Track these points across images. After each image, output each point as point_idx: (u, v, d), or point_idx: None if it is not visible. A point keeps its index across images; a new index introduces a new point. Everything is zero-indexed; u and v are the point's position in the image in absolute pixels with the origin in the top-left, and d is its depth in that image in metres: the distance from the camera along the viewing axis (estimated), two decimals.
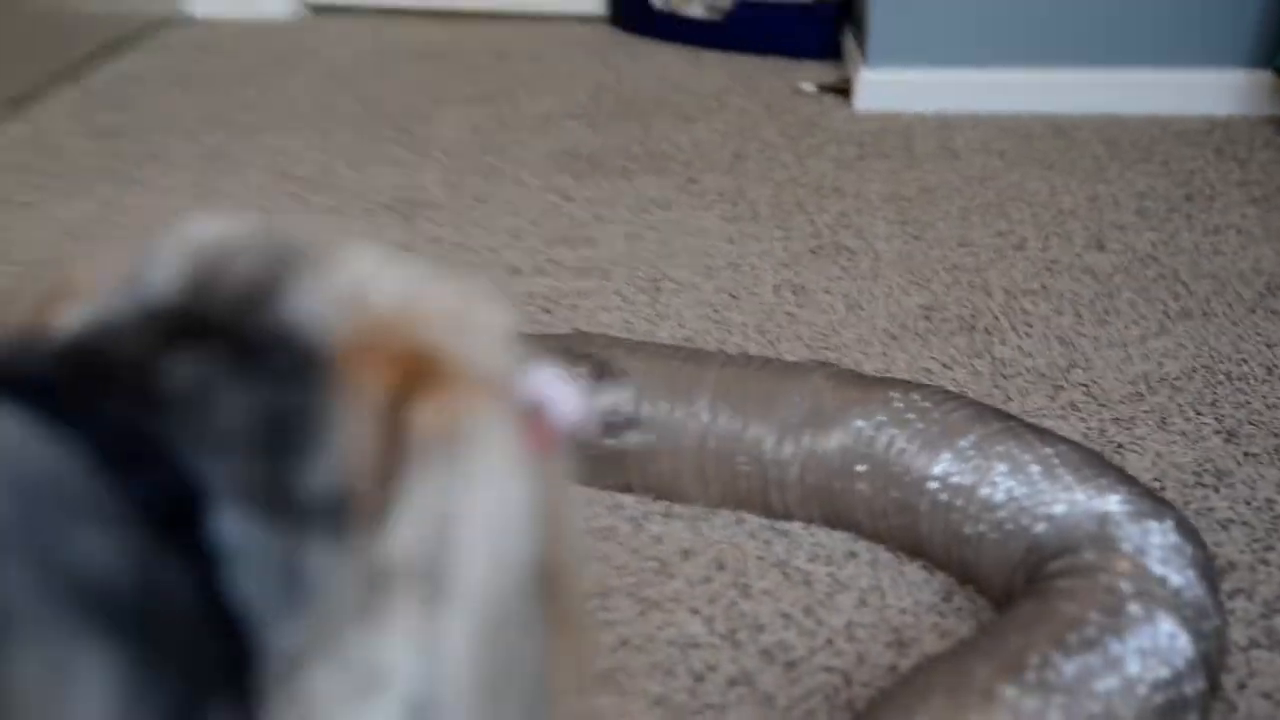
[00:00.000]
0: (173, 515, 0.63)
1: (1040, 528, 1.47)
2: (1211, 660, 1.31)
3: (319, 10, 4.50)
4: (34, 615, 0.57)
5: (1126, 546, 1.39)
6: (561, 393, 0.82)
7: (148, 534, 0.62)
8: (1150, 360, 2.14)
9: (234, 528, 0.64)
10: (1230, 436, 1.92)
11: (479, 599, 0.69)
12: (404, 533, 0.67)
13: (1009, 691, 1.20)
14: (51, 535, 0.59)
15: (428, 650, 0.68)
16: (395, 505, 0.68)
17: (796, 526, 1.73)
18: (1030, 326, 2.25)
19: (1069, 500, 1.47)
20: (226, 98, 3.56)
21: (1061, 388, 2.05)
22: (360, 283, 0.72)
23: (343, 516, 0.66)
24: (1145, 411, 1.99)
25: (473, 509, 0.70)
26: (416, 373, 0.71)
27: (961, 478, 1.56)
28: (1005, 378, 2.03)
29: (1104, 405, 1.99)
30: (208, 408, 0.66)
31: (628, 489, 1.78)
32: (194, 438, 0.65)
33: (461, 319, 0.75)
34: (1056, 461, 1.52)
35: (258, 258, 0.72)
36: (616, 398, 1.72)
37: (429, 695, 0.68)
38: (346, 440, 0.67)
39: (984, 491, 1.54)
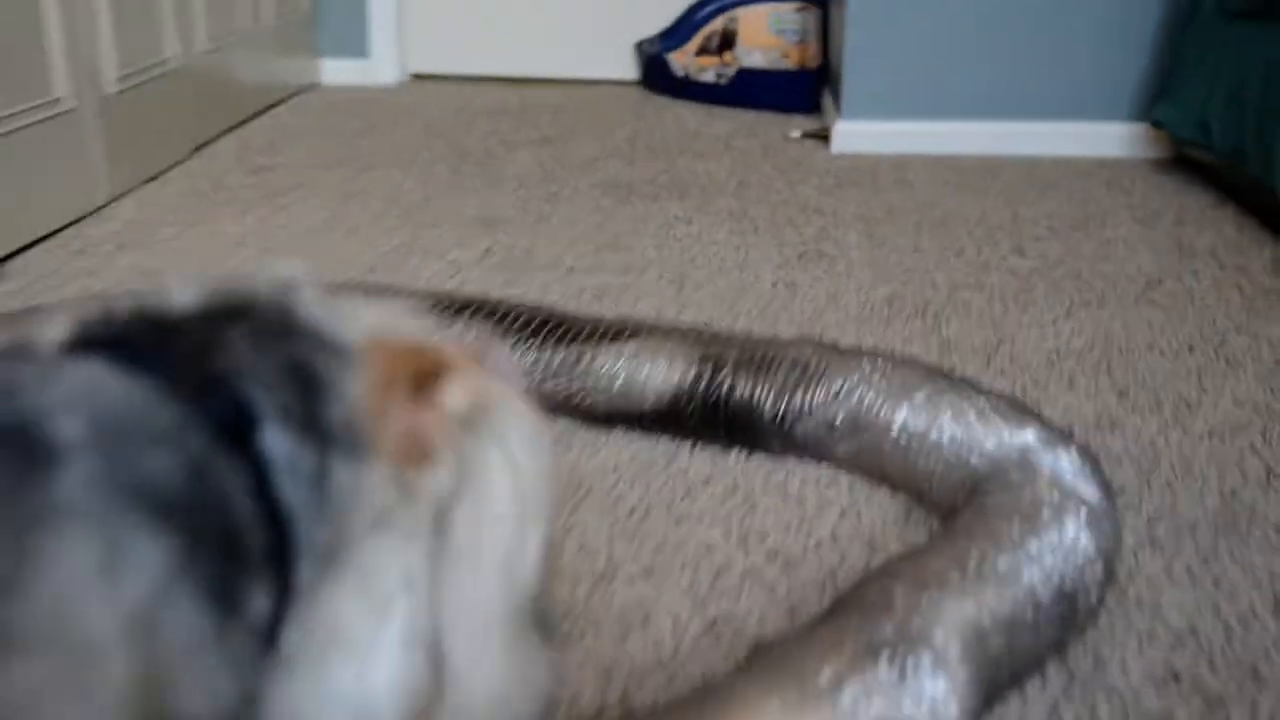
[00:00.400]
0: (230, 432, 0.64)
1: (975, 459, 1.49)
2: (1109, 555, 1.32)
3: (418, 77, 4.54)
4: (94, 509, 0.58)
5: (1043, 469, 1.39)
6: (509, 364, 0.84)
7: (208, 447, 0.64)
8: (1060, 338, 2.16)
9: (277, 443, 0.65)
10: (1121, 394, 1.93)
11: (511, 526, 0.71)
12: (445, 476, 0.69)
13: (956, 578, 1.21)
14: (118, 450, 0.60)
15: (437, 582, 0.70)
16: (441, 458, 0.69)
17: (792, 461, 1.74)
18: (968, 313, 2.26)
19: (998, 437, 1.48)
20: (350, 144, 3.58)
21: (992, 358, 2.06)
22: (354, 312, 0.74)
23: (357, 445, 0.67)
24: (1057, 376, 1.99)
25: (505, 461, 0.71)
26: (428, 362, 0.72)
27: (916, 424, 1.58)
28: (950, 352, 2.04)
29: (1025, 370, 2.00)
30: (255, 357, 0.68)
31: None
32: (244, 376, 0.67)
33: (420, 332, 0.77)
34: (989, 408, 1.53)
35: (277, 289, 0.73)
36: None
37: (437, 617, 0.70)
38: (358, 391, 0.68)
39: (933, 435, 1.55)
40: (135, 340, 0.69)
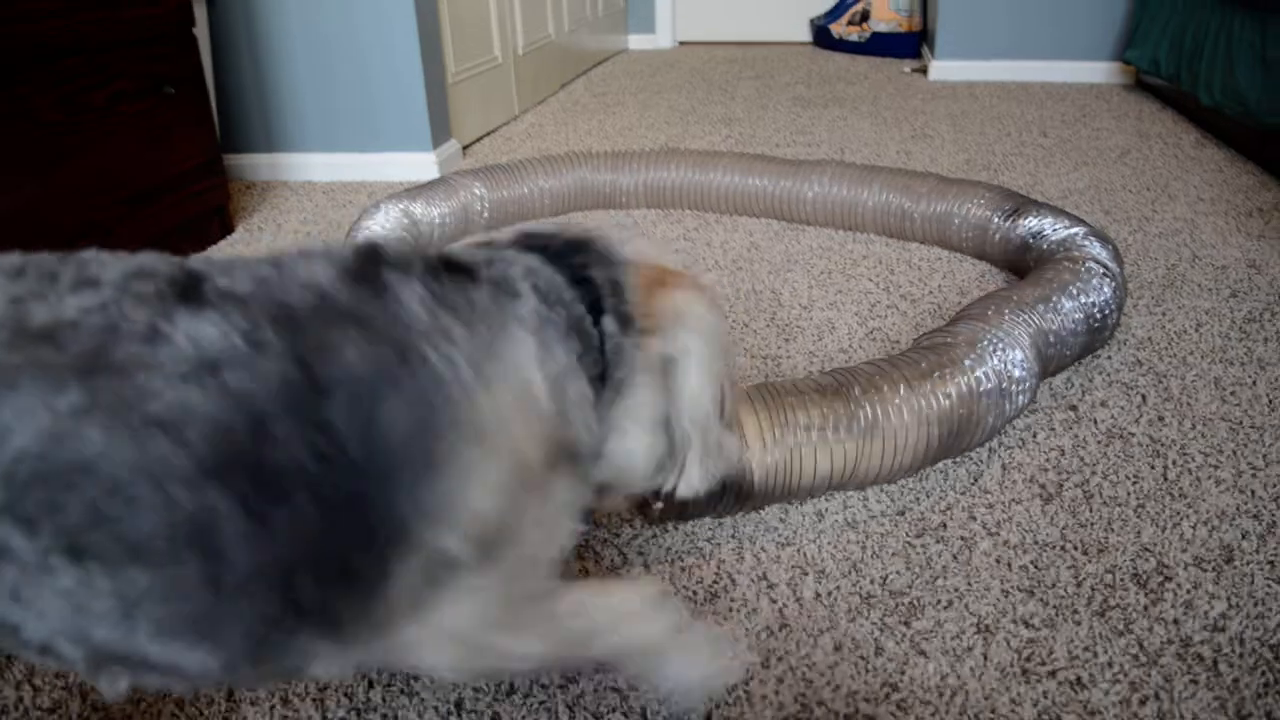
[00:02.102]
0: (591, 310, 0.65)
1: (1045, 243, 1.46)
2: (1121, 304, 1.30)
3: (684, 43, 4.53)
4: (535, 324, 0.60)
5: (1088, 250, 1.35)
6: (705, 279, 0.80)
7: (583, 312, 0.66)
8: (1069, 182, 2.10)
9: (608, 322, 0.66)
10: (1107, 213, 1.90)
11: (704, 372, 0.70)
12: (672, 341, 0.70)
13: (1029, 304, 1.17)
14: (545, 298, 0.62)
15: (674, 392, 0.70)
16: (663, 329, 0.67)
17: (915, 244, 1.75)
18: (1015, 168, 2.24)
19: (1061, 230, 1.45)
20: (646, 81, 3.60)
21: (1030, 195, 2.02)
22: (626, 245, 0.73)
23: (634, 323, 0.67)
24: (1070, 205, 1.96)
25: (698, 335, 0.70)
26: (662, 275, 0.72)
27: (1004, 221, 1.57)
28: (1023, 191, 2.03)
29: (1050, 201, 1.96)
30: (597, 270, 0.68)
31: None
32: (594, 281, 0.67)
33: (662, 256, 0.75)
34: (1052, 213, 1.50)
35: (599, 232, 0.73)
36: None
37: (670, 415, 0.71)
38: (633, 291, 0.68)
39: (1018, 228, 1.53)
40: (547, 248, 0.69)
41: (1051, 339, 1.17)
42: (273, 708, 0.79)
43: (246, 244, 1.96)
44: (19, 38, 1.50)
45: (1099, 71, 3.21)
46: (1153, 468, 1.06)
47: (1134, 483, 1.03)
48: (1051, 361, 1.19)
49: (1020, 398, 1.09)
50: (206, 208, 1.95)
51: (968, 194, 1.64)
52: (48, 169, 1.57)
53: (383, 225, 1.64)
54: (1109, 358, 1.32)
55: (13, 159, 1.50)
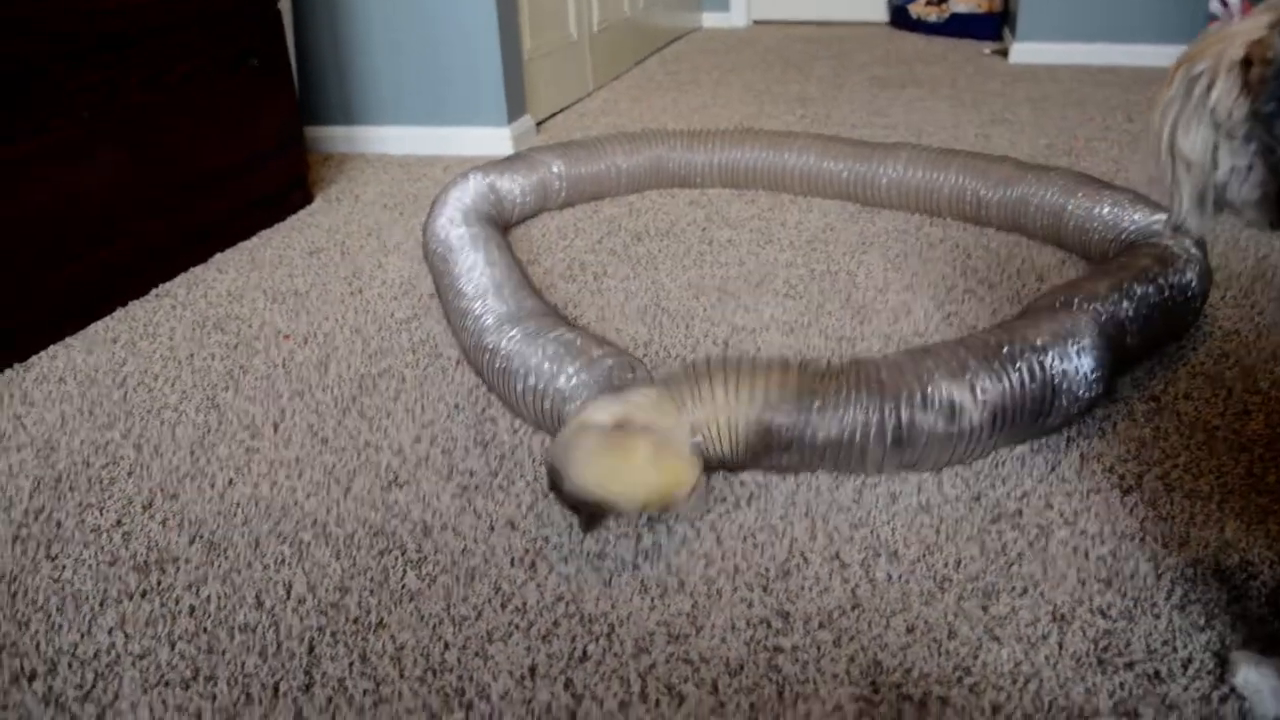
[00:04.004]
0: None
1: (1125, 234, 1.45)
2: (1204, 294, 1.29)
3: (758, 22, 4.49)
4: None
5: (1170, 246, 1.32)
6: None
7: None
8: (1145, 174, 2.03)
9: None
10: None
11: None
12: None
13: (1104, 293, 1.17)
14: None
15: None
16: None
17: (992, 230, 1.74)
18: (1096, 154, 2.19)
19: (1142, 217, 1.45)
20: (719, 59, 3.58)
21: (1114, 181, 1.97)
22: None
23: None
24: (1158, 193, 1.91)
25: None
26: None
27: (1084, 206, 1.54)
28: (1105, 178, 2.00)
29: (1149, 185, 1.92)
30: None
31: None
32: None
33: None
34: (1134, 199, 1.49)
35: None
36: None
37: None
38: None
39: (1096, 212, 1.52)
40: None
41: (1128, 327, 1.16)
42: (351, 664, 0.82)
43: (326, 214, 2.00)
44: (108, 16, 1.54)
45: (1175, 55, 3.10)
46: (1237, 462, 1.03)
47: (1217, 476, 1.01)
48: (1130, 351, 1.18)
49: (1090, 389, 1.08)
50: (288, 179, 1.99)
51: (1045, 180, 1.61)
52: (138, 144, 1.62)
53: (469, 197, 1.66)
54: (1194, 349, 1.29)
55: (105, 135, 1.55)
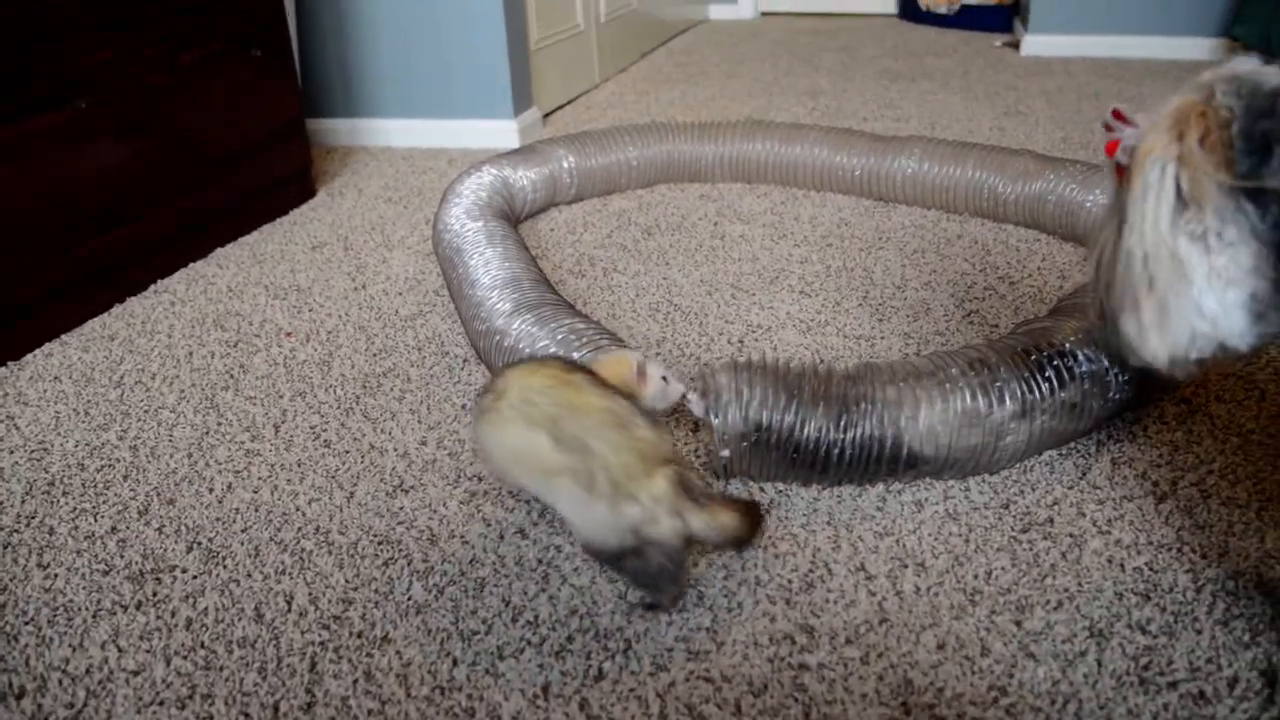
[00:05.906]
0: None
1: None
2: None
3: (765, 14, 4.45)
4: None
5: None
6: None
7: None
8: None
9: None
10: None
11: None
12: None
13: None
14: None
15: None
16: None
17: (1012, 227, 1.70)
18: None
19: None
20: (728, 52, 3.55)
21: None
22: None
23: None
24: None
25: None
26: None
27: (1100, 200, 1.52)
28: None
29: None
30: None
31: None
32: None
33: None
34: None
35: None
36: None
37: None
38: None
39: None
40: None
41: None
42: (355, 682, 0.78)
43: (329, 208, 1.95)
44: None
45: (1203, 48, 3.06)
46: (1275, 468, 0.99)
47: (1254, 483, 0.97)
48: None
49: (1119, 392, 1.04)
50: (289, 170, 1.95)
51: (1059, 169, 1.59)
52: (146, 129, 1.57)
53: (482, 190, 1.62)
54: None
55: (116, 117, 1.51)
